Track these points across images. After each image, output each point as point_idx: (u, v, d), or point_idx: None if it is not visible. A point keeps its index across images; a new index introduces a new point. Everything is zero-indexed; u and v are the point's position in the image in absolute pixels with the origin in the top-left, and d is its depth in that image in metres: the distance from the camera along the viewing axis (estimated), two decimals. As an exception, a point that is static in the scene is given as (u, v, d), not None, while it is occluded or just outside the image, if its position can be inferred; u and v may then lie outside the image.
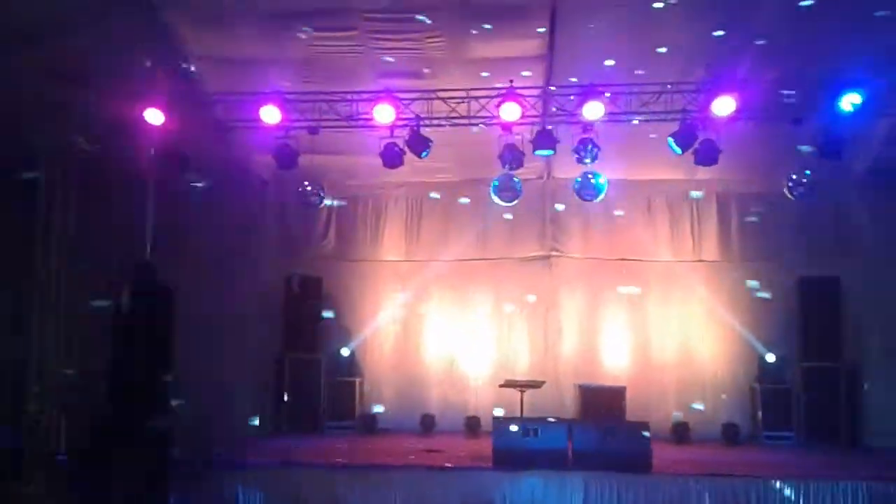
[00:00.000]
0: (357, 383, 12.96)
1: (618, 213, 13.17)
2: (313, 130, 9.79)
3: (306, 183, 10.88)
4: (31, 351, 9.59)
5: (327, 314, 13.03)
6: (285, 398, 12.51)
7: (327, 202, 12.40)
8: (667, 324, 12.97)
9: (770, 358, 12.38)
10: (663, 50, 9.33)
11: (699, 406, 12.62)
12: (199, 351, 10.07)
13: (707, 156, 9.61)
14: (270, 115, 9.63)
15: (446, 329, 13.37)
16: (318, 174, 11.62)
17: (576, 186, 10.59)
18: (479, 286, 13.32)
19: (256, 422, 11.56)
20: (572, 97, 9.72)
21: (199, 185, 10.40)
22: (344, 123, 9.84)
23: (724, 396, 12.66)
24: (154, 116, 9.69)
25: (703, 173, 12.35)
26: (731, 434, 11.98)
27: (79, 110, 9.18)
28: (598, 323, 13.14)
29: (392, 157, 9.85)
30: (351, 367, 13.13)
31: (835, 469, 9.53)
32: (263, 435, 11.83)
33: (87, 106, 9.09)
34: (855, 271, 12.17)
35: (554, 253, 13.31)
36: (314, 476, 9.39)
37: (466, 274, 13.32)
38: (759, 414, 12.17)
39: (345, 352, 13.10)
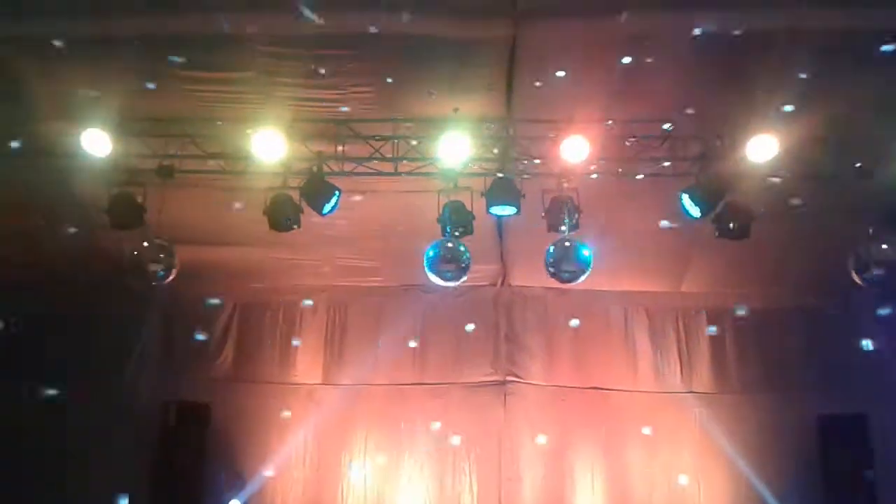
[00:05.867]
0: (250, 548, 8.58)
1: (587, 331, 9.55)
2: (165, 171, 5.56)
3: (146, 243, 6.54)
4: None
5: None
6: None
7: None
8: (651, 471, 9.26)
9: (784, 515, 8.83)
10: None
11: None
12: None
13: (735, 225, 5.69)
14: (96, 142, 5.46)
15: (373, 474, 9.30)
16: (207, 272, 8.46)
17: (549, 260, 6.70)
18: (417, 419, 9.41)
19: None
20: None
21: None
22: (215, 167, 5.68)
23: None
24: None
25: (691, 284, 9.44)
26: None
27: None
28: (565, 469, 9.28)
29: (283, 215, 5.76)
30: (242, 525, 8.97)
31: None
32: None
33: None
34: (885, 407, 8.75)
35: (510, 378, 9.59)
36: None
37: (401, 402, 9.50)
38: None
39: (235, 504, 8.97)
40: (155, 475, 8.83)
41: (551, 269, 7.06)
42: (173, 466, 8.83)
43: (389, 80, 6.09)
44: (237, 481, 8.98)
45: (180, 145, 6.54)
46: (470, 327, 9.35)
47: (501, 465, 9.19)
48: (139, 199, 6.59)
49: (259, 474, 9.05)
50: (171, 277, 7.15)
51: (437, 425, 9.25)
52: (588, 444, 9.29)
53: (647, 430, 9.22)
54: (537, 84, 6.19)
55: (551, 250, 6.97)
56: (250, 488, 9.02)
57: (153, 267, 6.97)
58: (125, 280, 7.55)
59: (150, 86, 5.96)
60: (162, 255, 6.99)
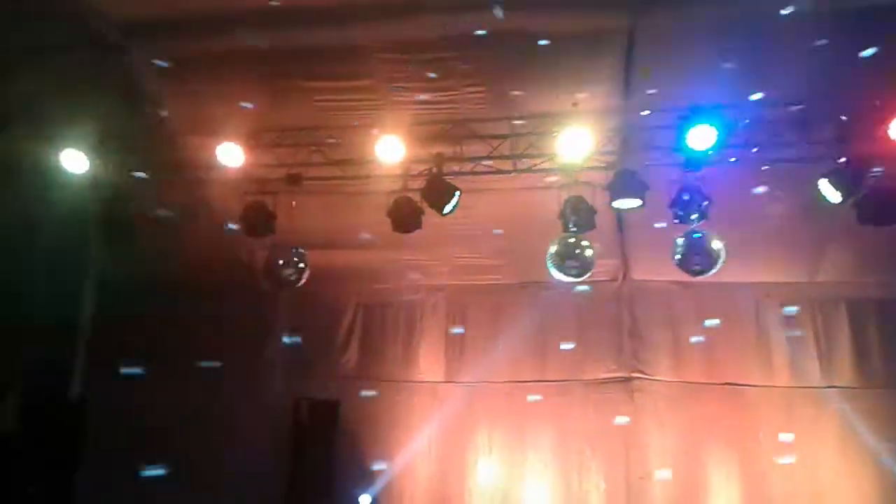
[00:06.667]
0: (380, 542, 8.89)
1: (717, 323, 9.12)
2: (293, 179, 5.86)
3: (279, 249, 6.94)
4: None
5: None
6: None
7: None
8: (791, 470, 8.72)
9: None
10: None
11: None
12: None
13: (881, 210, 5.39)
14: (230, 154, 5.82)
15: (497, 471, 9.37)
16: (331, 274, 8.65)
17: (677, 252, 6.46)
18: (539, 416, 9.36)
19: None
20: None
21: None
22: (337, 173, 5.92)
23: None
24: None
25: (828, 274, 8.94)
26: None
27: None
28: (697, 468, 8.97)
29: (405, 217, 5.97)
30: (372, 519, 9.28)
31: None
32: None
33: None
34: None
35: (636, 375, 9.39)
36: None
37: (523, 400, 9.41)
38: None
39: (364, 500, 9.17)
40: (290, 470, 9.18)
41: (680, 263, 6.89)
42: (306, 462, 9.13)
43: (516, 93, 6.18)
44: (367, 478, 9.22)
45: (306, 154, 6.83)
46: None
47: (629, 464, 9.00)
48: (270, 207, 6.97)
49: (386, 470, 9.27)
50: (302, 281, 7.52)
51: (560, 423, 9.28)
52: (721, 442, 8.95)
53: (785, 430, 8.75)
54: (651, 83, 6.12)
55: (679, 242, 6.79)
56: (379, 484, 9.26)
57: (286, 272, 7.34)
58: (258, 284, 8.03)
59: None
60: (294, 261, 7.34)
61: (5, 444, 6.74)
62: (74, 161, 6.86)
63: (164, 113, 6.63)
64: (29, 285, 7.51)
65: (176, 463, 8.60)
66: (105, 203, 7.23)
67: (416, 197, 6.79)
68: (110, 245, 7.82)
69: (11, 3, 5.90)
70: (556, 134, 6.39)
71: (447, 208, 6.59)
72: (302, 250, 7.37)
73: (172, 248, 8.25)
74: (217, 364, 8.29)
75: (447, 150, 6.72)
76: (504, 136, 6.71)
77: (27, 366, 8.13)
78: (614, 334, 9.47)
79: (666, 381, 9.26)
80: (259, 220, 6.86)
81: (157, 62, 6.02)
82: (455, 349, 9.75)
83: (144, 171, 6.96)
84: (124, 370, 8.06)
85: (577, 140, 6.24)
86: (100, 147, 6.89)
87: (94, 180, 7.00)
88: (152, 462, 8.67)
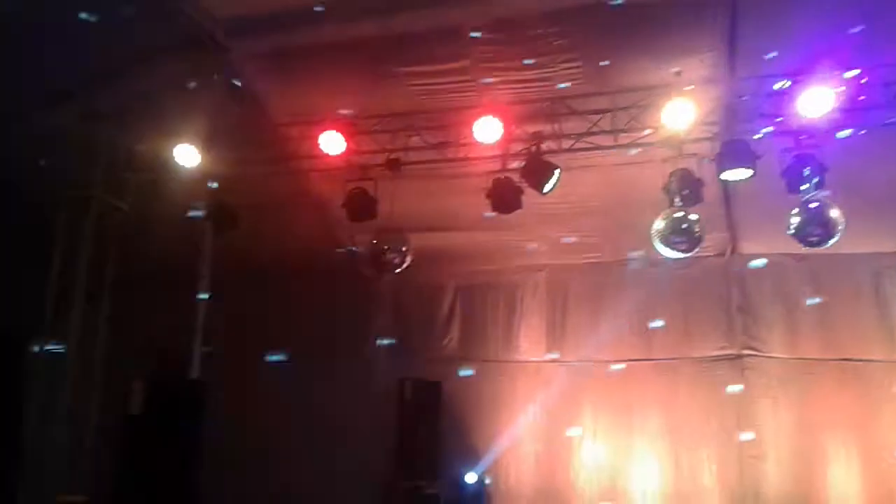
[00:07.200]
0: (486, 521, 9.11)
1: (832, 298, 8.80)
2: (393, 164, 5.98)
3: (386, 247, 7.16)
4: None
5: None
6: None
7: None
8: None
9: None
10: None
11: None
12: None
13: None
14: (333, 143, 5.99)
15: (604, 451, 9.30)
16: (431, 257, 8.72)
17: (793, 224, 6.19)
18: (646, 395, 9.24)
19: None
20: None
21: None
22: (436, 156, 6.03)
23: None
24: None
25: None
26: None
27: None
28: (814, 447, 8.62)
29: (505, 197, 5.99)
30: (478, 497, 9.24)
31: None
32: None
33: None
34: None
35: (747, 352, 9.08)
36: None
37: (628, 379, 9.34)
38: None
39: (470, 478, 9.29)
40: (395, 449, 9.32)
41: (796, 234, 6.58)
42: (412, 441, 9.22)
43: (604, 63, 6.07)
44: (472, 458, 9.35)
45: (405, 138, 6.94)
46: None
47: (741, 444, 8.72)
48: (371, 193, 7.11)
49: (492, 449, 9.39)
50: (405, 265, 7.65)
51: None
52: (840, 420, 8.54)
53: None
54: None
55: (795, 213, 6.49)
56: (484, 462, 9.37)
57: (389, 256, 7.48)
58: (362, 269, 8.23)
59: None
60: (397, 245, 7.44)
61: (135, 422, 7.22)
62: (187, 155, 7.22)
63: (266, 106, 6.87)
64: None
65: (282, 445, 9.10)
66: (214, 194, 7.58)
67: (516, 177, 6.77)
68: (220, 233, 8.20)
69: (123, 7, 6.25)
70: (658, 106, 6.23)
71: (547, 187, 6.55)
72: (404, 235, 7.50)
73: (278, 237, 8.62)
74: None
75: (545, 128, 6.68)
76: (604, 111, 6.62)
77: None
78: (723, 310, 9.20)
79: (779, 358, 8.92)
80: (361, 205, 7.03)
81: (259, 57, 6.26)
82: (557, 328, 9.72)
83: (251, 164, 7.23)
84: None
85: (680, 111, 6.06)
86: (209, 141, 7.21)
87: (204, 173, 7.35)
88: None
